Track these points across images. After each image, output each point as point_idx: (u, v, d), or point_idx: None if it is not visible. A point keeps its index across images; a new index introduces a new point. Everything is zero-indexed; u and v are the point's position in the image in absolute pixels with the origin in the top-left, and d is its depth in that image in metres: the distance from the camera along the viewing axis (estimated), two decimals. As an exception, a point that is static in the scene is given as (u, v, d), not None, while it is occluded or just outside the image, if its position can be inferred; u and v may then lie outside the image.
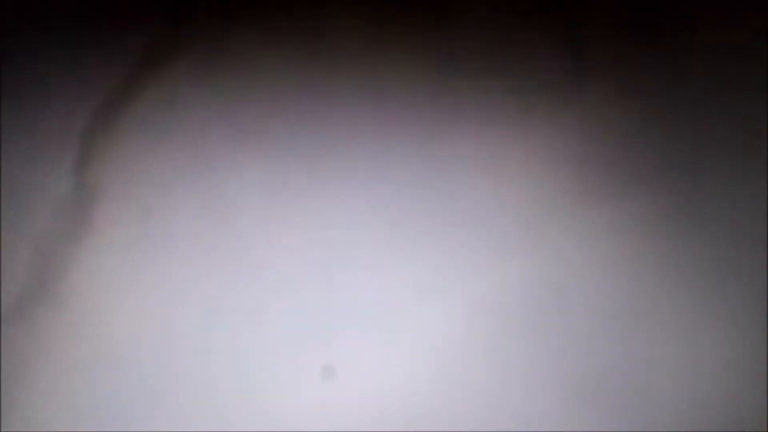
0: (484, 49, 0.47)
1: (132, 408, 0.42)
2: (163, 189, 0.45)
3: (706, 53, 0.46)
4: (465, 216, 0.45)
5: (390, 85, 0.46)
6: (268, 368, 0.43)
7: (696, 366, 0.43)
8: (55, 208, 0.44)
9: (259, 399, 0.43)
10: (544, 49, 0.47)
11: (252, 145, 0.45)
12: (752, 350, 0.43)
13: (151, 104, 0.46)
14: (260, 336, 0.43)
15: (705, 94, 0.46)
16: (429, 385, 0.42)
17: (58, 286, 0.43)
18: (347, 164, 0.45)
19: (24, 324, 0.43)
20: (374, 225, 0.45)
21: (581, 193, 0.45)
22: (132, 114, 0.46)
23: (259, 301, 0.43)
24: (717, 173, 0.45)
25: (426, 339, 0.43)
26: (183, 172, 0.45)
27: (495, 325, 0.43)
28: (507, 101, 0.46)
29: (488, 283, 0.44)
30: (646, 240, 0.44)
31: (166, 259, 0.44)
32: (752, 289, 0.43)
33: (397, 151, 0.45)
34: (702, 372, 0.43)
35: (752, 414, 0.42)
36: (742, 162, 0.45)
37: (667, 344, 0.43)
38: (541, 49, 0.47)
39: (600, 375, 0.43)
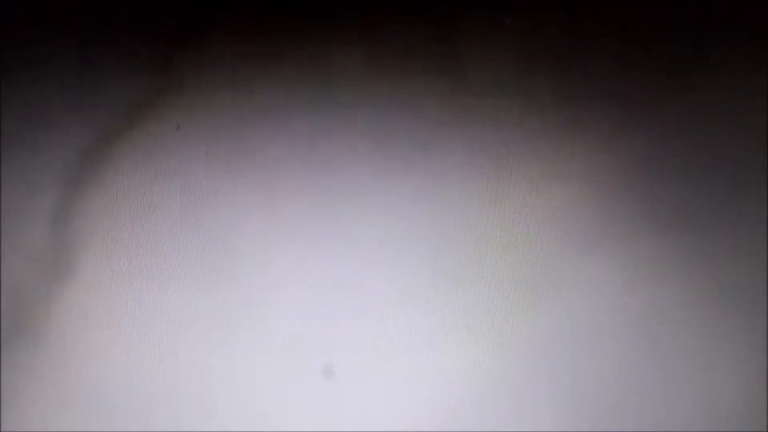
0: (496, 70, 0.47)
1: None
2: (147, 224, 0.45)
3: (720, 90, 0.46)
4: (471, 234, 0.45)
5: (398, 105, 0.47)
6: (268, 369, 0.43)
7: (696, 366, 0.43)
8: (33, 255, 0.45)
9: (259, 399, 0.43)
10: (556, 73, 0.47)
11: (245, 178, 0.46)
12: (752, 350, 0.43)
13: (133, 150, 0.46)
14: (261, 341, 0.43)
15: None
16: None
17: (36, 329, 0.44)
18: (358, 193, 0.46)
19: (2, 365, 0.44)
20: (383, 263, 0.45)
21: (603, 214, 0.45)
22: (114, 161, 0.46)
23: (262, 323, 0.44)
24: (728, 209, 0.45)
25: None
26: (171, 209, 0.45)
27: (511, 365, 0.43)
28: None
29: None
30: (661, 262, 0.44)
31: (155, 292, 0.44)
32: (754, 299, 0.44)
33: (403, 189, 0.46)
34: (702, 372, 0.43)
35: (752, 414, 0.42)
36: (756, 201, 0.45)
37: (671, 349, 0.43)
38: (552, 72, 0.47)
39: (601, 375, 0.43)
